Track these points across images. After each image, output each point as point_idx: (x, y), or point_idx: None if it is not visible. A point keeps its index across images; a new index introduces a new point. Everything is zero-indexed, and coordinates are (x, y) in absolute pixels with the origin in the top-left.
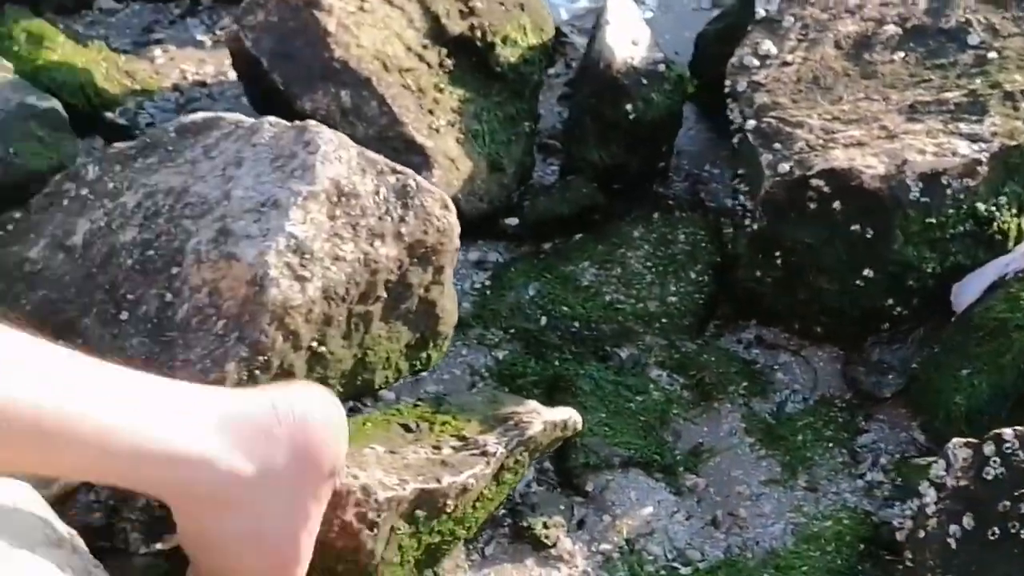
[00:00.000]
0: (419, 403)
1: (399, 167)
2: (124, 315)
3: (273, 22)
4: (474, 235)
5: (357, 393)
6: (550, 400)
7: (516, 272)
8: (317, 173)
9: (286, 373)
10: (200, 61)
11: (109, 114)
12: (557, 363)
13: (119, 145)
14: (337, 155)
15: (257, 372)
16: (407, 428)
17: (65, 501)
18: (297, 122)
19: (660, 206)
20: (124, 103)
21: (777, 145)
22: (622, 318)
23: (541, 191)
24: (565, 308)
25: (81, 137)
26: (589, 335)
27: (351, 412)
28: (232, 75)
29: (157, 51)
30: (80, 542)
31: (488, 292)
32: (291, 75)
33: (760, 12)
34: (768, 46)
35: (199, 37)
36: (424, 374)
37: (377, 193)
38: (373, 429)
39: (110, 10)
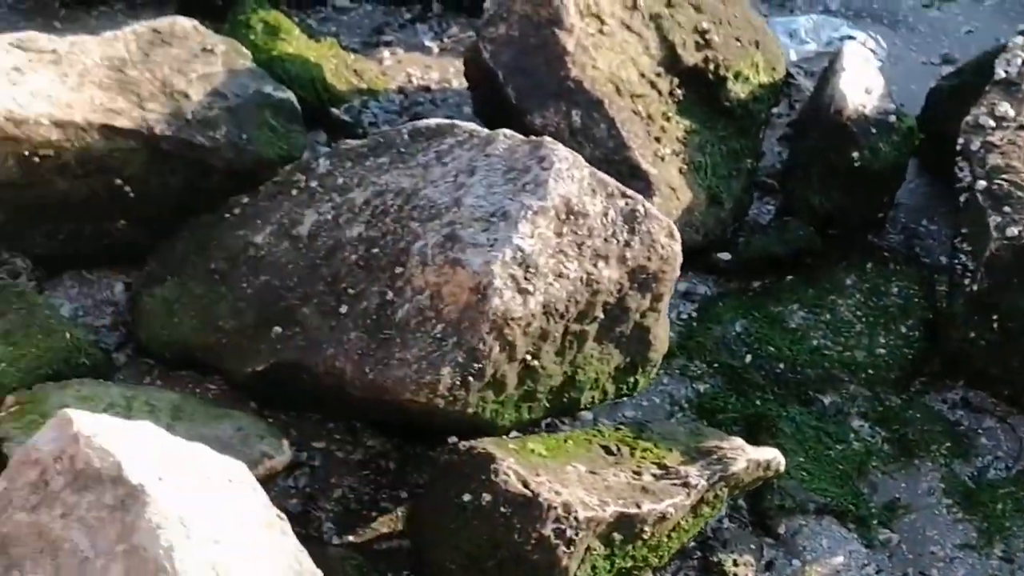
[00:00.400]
0: (620, 427)
1: (629, 191)
2: (344, 308)
3: (513, 36)
4: (685, 266)
5: (562, 410)
6: (749, 439)
7: (724, 307)
8: (549, 189)
9: (498, 383)
10: (426, 67)
11: (335, 110)
12: (759, 402)
13: (351, 142)
14: (570, 173)
15: (470, 379)
16: (608, 450)
17: (266, 483)
18: (533, 137)
19: (874, 256)
20: (350, 100)
21: (1007, 208)
22: (828, 364)
23: (756, 229)
24: (771, 348)
25: (308, 129)
26: (793, 377)
27: (549, 429)
28: (456, 83)
29: (385, 53)
30: (287, 527)
31: (695, 324)
32: (525, 90)
33: (1000, 73)
34: (1005, 108)
35: (427, 43)
36: (624, 399)
37: (605, 215)
38: (574, 447)
39: (343, 8)
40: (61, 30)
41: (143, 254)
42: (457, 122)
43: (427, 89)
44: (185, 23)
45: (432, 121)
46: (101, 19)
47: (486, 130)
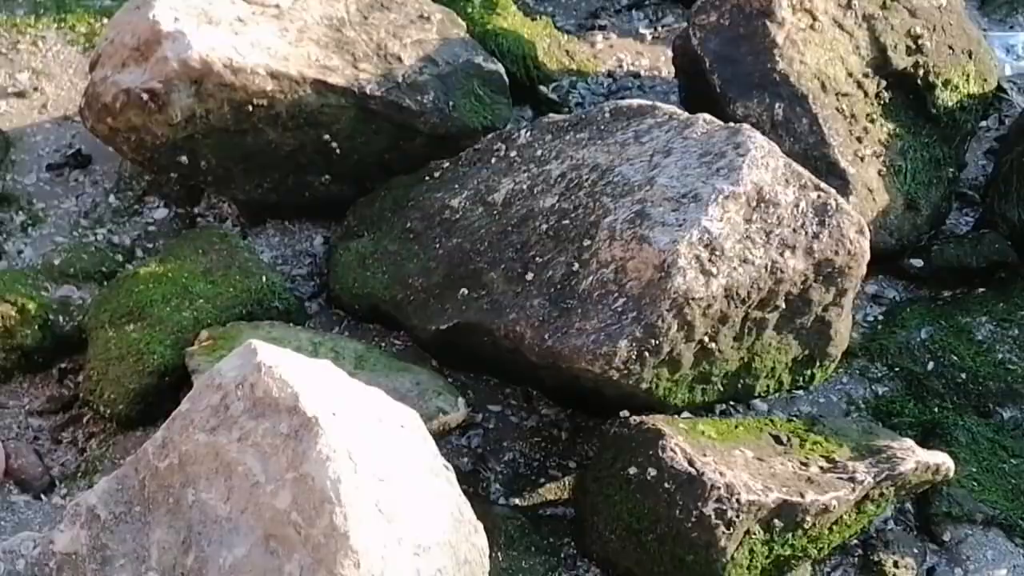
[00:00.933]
0: (792, 419)
1: (823, 185)
2: (530, 276)
3: (723, 25)
4: (876, 269)
5: (736, 396)
6: (923, 444)
7: (911, 313)
8: (742, 175)
9: (673, 361)
10: (637, 53)
11: (543, 88)
12: (936, 410)
13: (554, 116)
14: (765, 162)
15: (646, 354)
16: (778, 440)
17: (439, 438)
18: (732, 123)
19: None
20: (559, 80)
21: None
22: (1011, 379)
23: (952, 239)
24: (954, 357)
25: (514, 104)
26: (974, 388)
27: (722, 415)
28: (665, 71)
29: (599, 37)
30: (453, 477)
31: (879, 327)
32: (730, 79)
33: None
34: None
35: (641, 30)
36: (800, 393)
37: (796, 206)
38: (744, 433)
39: None
40: None
41: (344, 210)
42: (658, 104)
43: (636, 75)
44: None
45: (634, 101)
46: None
47: (686, 113)
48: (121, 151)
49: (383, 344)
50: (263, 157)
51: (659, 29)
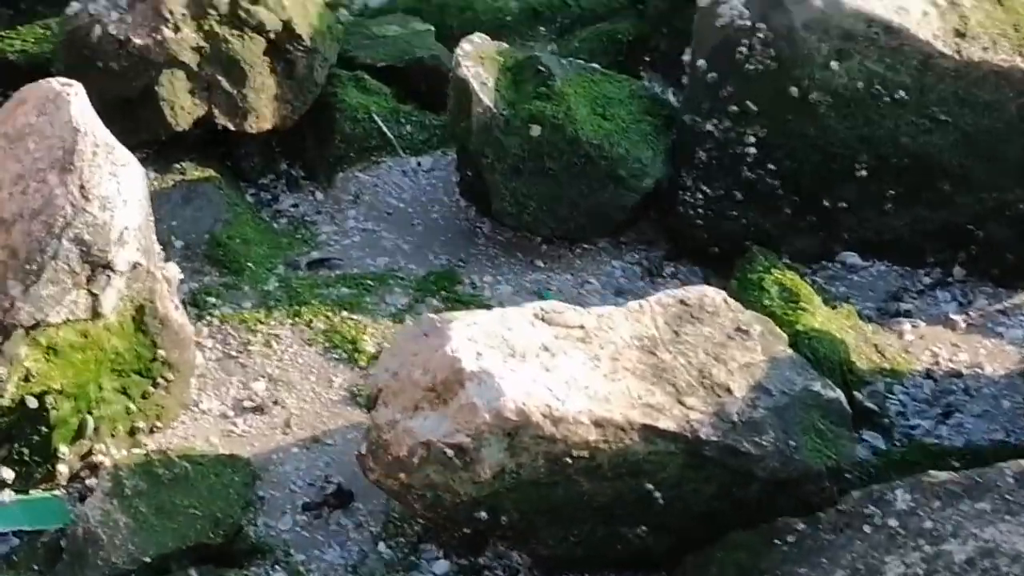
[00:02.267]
0: None
1: None
2: None
3: None
4: None
5: None
6: None
7: None
8: None
9: None
10: (953, 346)
11: (858, 394)
12: None
13: (937, 475)
14: None
15: None
16: None
17: None
18: None
19: None
20: (873, 383)
21: None
22: None
23: None
24: None
25: None
26: None
27: None
28: (989, 368)
29: (906, 325)
30: None
31: None
32: None
33: None
34: None
35: (951, 315)
36: None
37: None
38: None
39: (853, 266)
40: (544, 268)
41: (654, 562)
42: None
43: (957, 374)
44: (714, 296)
45: None
46: (584, 258)
47: None
48: (411, 508)
49: None
50: (572, 509)
51: (972, 314)
